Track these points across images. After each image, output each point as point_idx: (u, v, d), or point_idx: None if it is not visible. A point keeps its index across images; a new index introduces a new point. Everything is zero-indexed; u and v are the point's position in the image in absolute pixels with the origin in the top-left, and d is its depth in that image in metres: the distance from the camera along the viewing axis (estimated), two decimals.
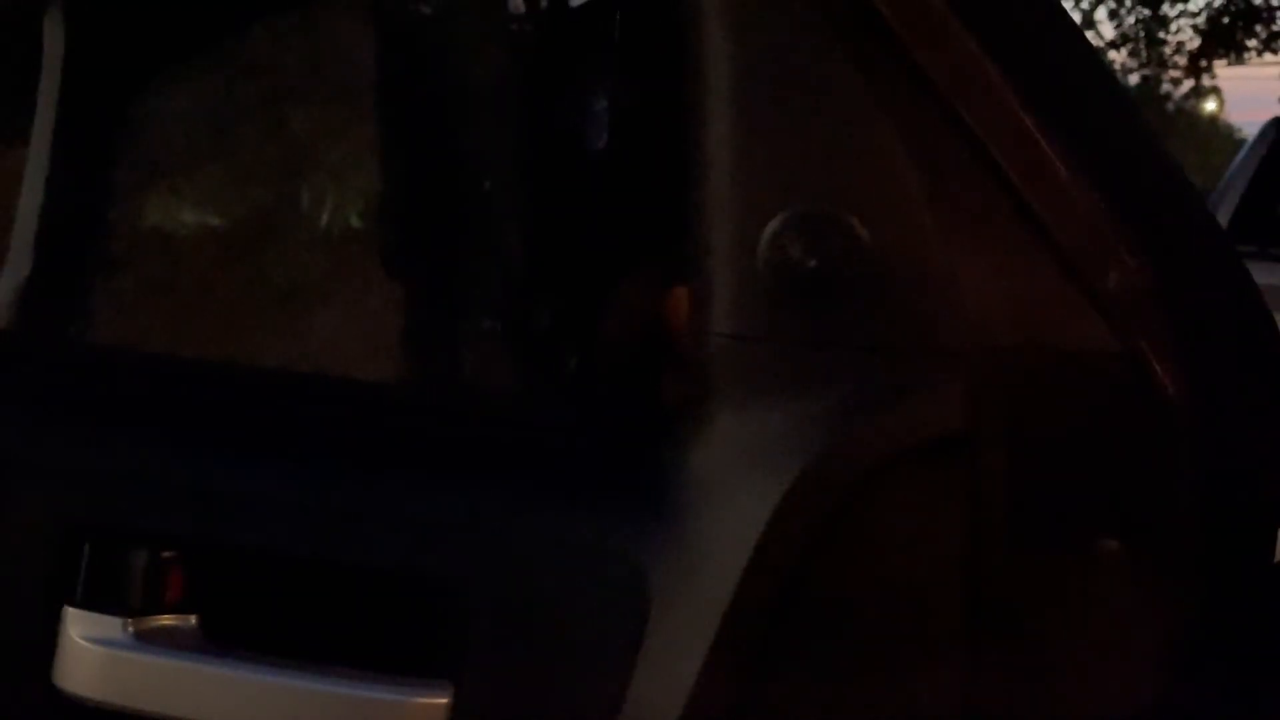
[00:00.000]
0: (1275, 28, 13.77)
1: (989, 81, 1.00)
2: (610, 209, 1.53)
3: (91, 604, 1.05)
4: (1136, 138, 1.09)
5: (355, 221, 1.84)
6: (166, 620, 1.06)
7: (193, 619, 1.06)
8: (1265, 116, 5.25)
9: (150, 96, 1.70)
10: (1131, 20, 14.84)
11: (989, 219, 1.00)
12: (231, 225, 1.88)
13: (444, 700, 1.03)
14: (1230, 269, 1.07)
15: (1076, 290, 1.00)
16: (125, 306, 1.69)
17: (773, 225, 1.00)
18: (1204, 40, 14.27)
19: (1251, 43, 14.00)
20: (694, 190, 1.03)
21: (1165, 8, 14.47)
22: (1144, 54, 15.30)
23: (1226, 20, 13.91)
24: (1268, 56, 14.11)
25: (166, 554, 1.06)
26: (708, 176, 1.02)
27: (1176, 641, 1.02)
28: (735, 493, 1.00)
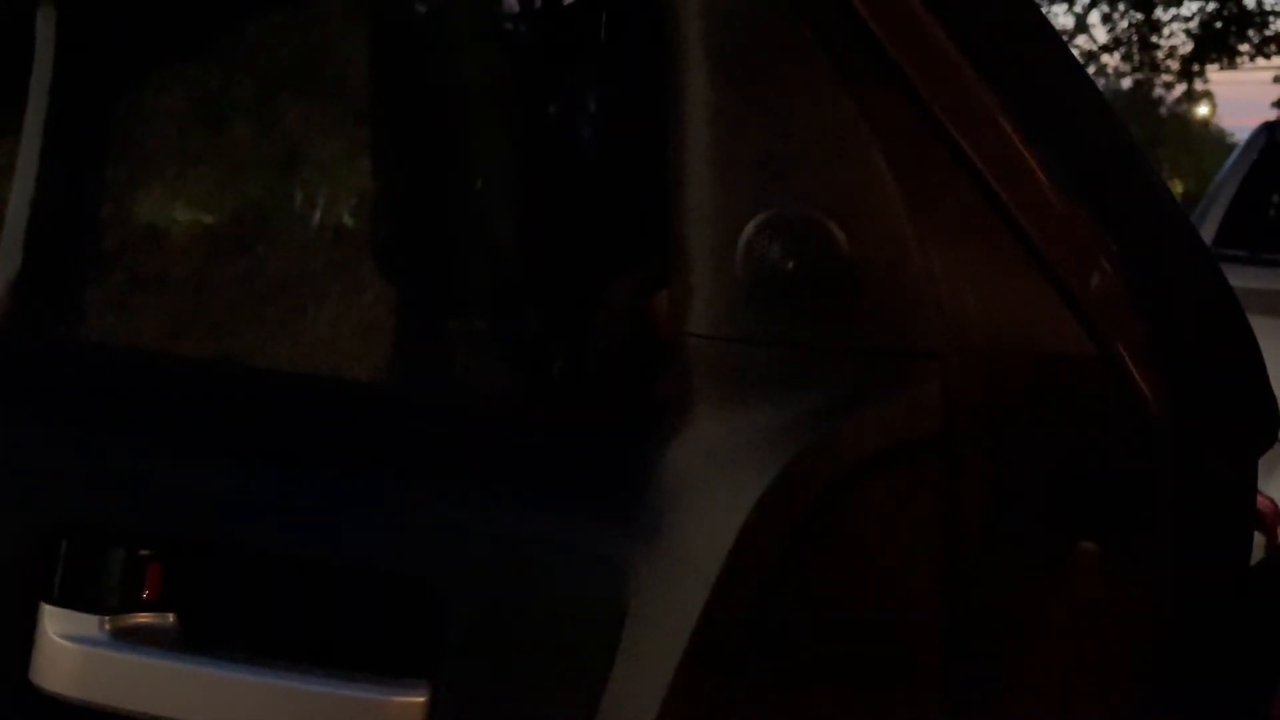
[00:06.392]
0: (1268, 32, 13.78)
1: (969, 86, 1.00)
2: (600, 210, 1.53)
3: (69, 602, 1.05)
4: (1115, 144, 1.09)
5: (347, 220, 1.84)
6: (144, 618, 1.06)
7: (170, 617, 1.06)
8: (1257, 121, 5.27)
9: (143, 92, 1.70)
10: (1124, 24, 14.85)
11: (968, 223, 1.00)
12: (223, 223, 1.88)
13: (421, 699, 1.03)
14: (1207, 273, 1.08)
15: (1055, 294, 1.00)
16: (109, 303, 1.69)
17: (750, 227, 1.00)
18: (1196, 44, 14.29)
19: (1244, 47, 14.01)
20: (673, 191, 1.03)
21: (1158, 12, 14.48)
22: (1137, 58, 15.31)
23: (1219, 24, 13.92)
24: (1260, 61, 14.14)
25: (144, 552, 1.06)
26: (686, 178, 1.02)
27: (1154, 643, 1.02)
28: (713, 493, 1.00)
